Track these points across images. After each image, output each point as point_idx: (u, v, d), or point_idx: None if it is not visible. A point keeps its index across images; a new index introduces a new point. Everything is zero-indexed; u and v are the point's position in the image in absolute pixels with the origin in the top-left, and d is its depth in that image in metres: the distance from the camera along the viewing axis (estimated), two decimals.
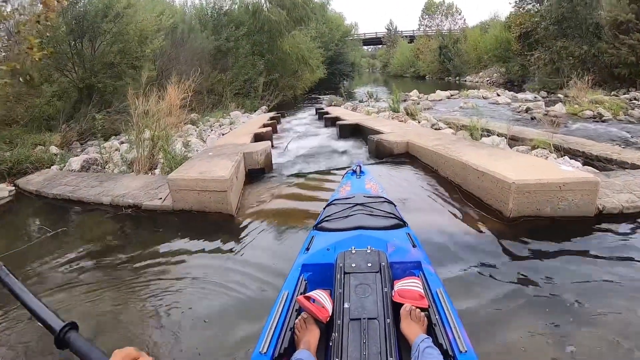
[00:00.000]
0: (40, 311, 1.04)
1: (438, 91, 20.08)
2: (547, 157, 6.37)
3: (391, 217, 2.92)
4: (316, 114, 15.24)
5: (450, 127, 10.21)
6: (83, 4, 11.46)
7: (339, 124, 9.93)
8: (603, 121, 11.19)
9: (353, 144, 8.74)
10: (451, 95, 19.81)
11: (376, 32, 69.65)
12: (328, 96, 22.30)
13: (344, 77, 38.62)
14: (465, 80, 37.09)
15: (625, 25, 17.50)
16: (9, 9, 8.05)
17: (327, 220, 2.96)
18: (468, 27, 48.22)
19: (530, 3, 25.77)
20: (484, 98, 18.24)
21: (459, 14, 61.73)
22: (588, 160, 6.27)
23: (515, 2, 26.67)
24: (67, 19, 11.05)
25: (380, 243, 2.46)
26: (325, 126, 12.05)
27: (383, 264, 2.19)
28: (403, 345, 1.83)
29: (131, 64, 12.77)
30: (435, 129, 10.48)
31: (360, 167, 4.28)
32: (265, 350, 1.77)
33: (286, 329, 1.93)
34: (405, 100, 17.09)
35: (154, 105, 7.50)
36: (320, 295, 2.01)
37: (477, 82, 34.32)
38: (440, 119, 11.37)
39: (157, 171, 7.02)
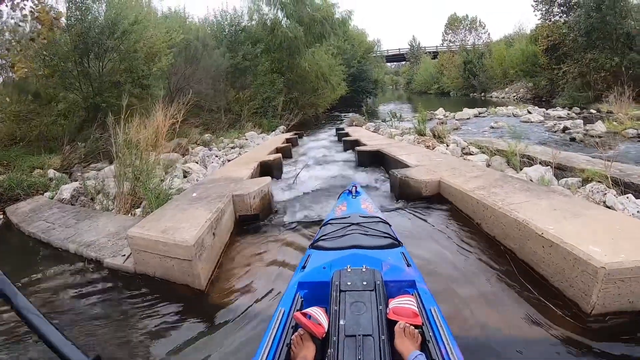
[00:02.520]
0: (59, 342, 0.79)
1: (465, 109, 18.74)
2: (605, 193, 5.07)
3: (386, 237, 2.99)
4: (336, 134, 14.01)
5: (483, 152, 8.93)
6: (89, 20, 10.66)
7: (357, 149, 8.60)
8: None
9: (373, 176, 7.40)
10: (479, 114, 18.43)
11: (399, 49, 68.61)
12: (350, 114, 21.25)
13: (367, 94, 37.40)
14: (492, 96, 35.73)
15: None
16: None
17: (323, 239, 3.02)
18: (492, 41, 46.98)
19: (557, 14, 24.63)
20: (515, 116, 16.86)
21: (483, 28, 59.77)
22: None
23: (542, 13, 25.47)
24: (72, 35, 10.29)
25: (375, 262, 2.52)
26: (345, 150, 10.85)
27: (378, 282, 2.25)
28: None
29: (138, 83, 11.91)
30: (465, 153, 9.26)
31: (355, 187, 4.34)
32: None
33: (283, 345, 1.96)
34: (430, 119, 15.89)
35: (136, 132, 6.39)
36: (317, 311, 2.04)
37: (503, 98, 32.97)
38: (470, 141, 10.09)
39: (139, 211, 5.83)
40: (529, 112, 16.73)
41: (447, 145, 9.80)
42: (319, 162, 9.62)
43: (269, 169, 7.67)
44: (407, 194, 5.47)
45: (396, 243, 2.92)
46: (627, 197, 4.88)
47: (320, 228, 3.41)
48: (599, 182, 5.54)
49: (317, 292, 2.39)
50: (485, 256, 3.81)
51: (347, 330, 1.88)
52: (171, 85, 14.93)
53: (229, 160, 9.65)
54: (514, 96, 32.09)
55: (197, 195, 5.15)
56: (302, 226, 4.97)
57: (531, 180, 5.99)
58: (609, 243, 2.92)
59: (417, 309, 2.10)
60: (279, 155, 8.43)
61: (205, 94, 16.45)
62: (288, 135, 14.25)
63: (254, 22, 21.82)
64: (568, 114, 16.41)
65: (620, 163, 6.41)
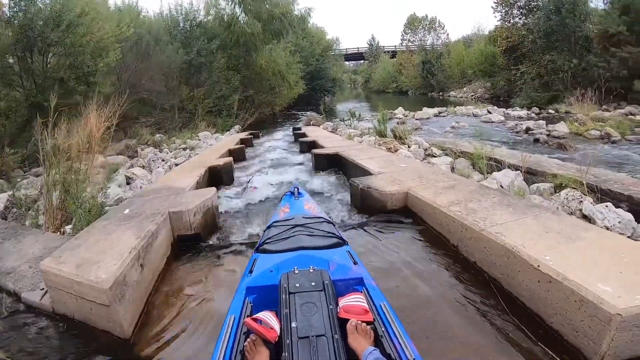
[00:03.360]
0: None
1: (425, 108, 18.39)
2: (581, 201, 4.60)
3: (331, 237, 2.97)
4: (292, 134, 13.27)
5: (447, 154, 8.43)
6: (32, 11, 9.69)
7: (314, 153, 7.91)
8: (612, 142, 10.02)
9: (332, 182, 6.75)
10: (439, 113, 18.08)
11: (358, 47, 68.48)
12: (309, 113, 20.73)
13: (325, 92, 36.82)
14: (449, 96, 35.86)
15: (616, 38, 16.83)
16: None
17: (268, 243, 2.96)
18: (451, 41, 47.34)
19: (517, 16, 24.86)
20: (475, 115, 16.60)
21: (442, 29, 59.91)
22: (634, 207, 4.47)
23: (502, 15, 25.62)
24: (14, 27, 9.39)
25: (322, 262, 2.50)
26: (301, 151, 10.14)
27: (326, 282, 2.22)
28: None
29: (84, 80, 10.94)
30: (428, 155, 8.73)
31: (297, 189, 4.30)
32: None
33: (236, 352, 1.91)
34: (390, 119, 15.34)
35: (66, 137, 5.48)
36: (267, 316, 2.00)
37: (461, 97, 33.10)
38: (433, 143, 9.59)
39: (69, 228, 4.84)
40: (489, 112, 16.50)
41: (409, 147, 9.26)
42: (274, 165, 8.92)
43: (218, 175, 6.95)
44: (369, 207, 4.78)
45: (341, 242, 2.92)
46: (607, 206, 4.37)
47: (264, 231, 3.36)
48: (574, 188, 5.07)
49: (265, 296, 2.35)
50: (465, 287, 3.17)
51: (300, 332, 1.84)
52: (122, 82, 13.91)
53: (176, 165, 8.78)
54: (472, 96, 32.21)
55: (129, 213, 4.29)
56: (249, 246, 4.16)
57: (501, 187, 5.51)
58: (618, 279, 2.36)
59: (367, 306, 2.12)
60: (230, 159, 7.65)
61: (158, 91, 15.72)
62: (243, 135, 13.45)
63: (210, 17, 20.89)
64: (528, 114, 16.34)
65: (594, 168, 5.99)
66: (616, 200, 4.69)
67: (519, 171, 6.07)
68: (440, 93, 39.40)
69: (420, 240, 4.09)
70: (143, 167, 8.50)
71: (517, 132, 12.26)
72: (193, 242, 4.36)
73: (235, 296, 2.42)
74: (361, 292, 2.31)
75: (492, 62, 28.41)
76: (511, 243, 2.95)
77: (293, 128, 14.52)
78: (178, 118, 16.47)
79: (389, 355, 1.79)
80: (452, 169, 7.07)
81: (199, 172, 6.44)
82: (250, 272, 2.62)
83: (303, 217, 3.33)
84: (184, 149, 11.29)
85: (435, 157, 8.73)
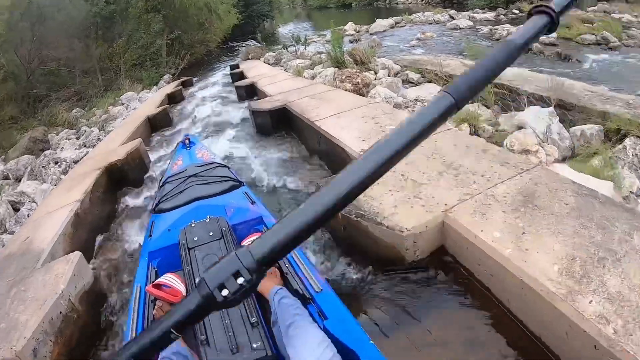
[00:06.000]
0: None
1: (378, 20, 15.80)
2: None
3: (226, 180, 2.83)
4: (230, 74, 10.60)
5: (428, 80, 6.35)
6: None
7: (252, 109, 5.52)
8: (611, 48, 8.28)
9: (282, 159, 4.55)
10: (395, 24, 15.56)
11: None
12: (249, 43, 18.36)
13: (263, 18, 33.24)
14: (397, 3, 32.43)
15: None
16: None
17: (163, 201, 2.76)
18: None
19: None
20: (437, 22, 14.27)
21: None
22: None
23: None
24: None
25: (218, 209, 2.40)
26: (240, 98, 7.94)
27: (224, 229, 2.14)
28: (264, 302, 1.75)
29: None
30: (403, 82, 6.59)
31: (189, 139, 4.02)
32: None
33: (147, 323, 1.81)
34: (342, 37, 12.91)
35: None
36: (170, 278, 1.93)
37: (410, 3, 29.94)
38: (404, 64, 7.44)
39: None
40: (452, 18, 14.17)
41: (376, 73, 7.05)
42: (205, 128, 6.69)
43: (120, 176, 4.70)
44: (364, 252, 2.53)
45: (237, 184, 2.80)
46: None
47: (159, 189, 3.14)
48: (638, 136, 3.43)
49: (169, 257, 2.20)
50: None
51: None
52: (22, 59, 11.85)
53: (75, 162, 6.09)
54: (422, 0, 29.19)
55: None
56: None
57: (538, 137, 3.58)
58: None
59: None
60: (137, 143, 5.10)
61: (67, 57, 13.59)
62: (170, 88, 10.89)
63: None
64: (496, 16, 14.19)
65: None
66: None
67: (551, 107, 4.06)
68: (387, 1, 35.75)
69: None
70: (36, 177, 5.93)
71: (497, 40, 9.90)
72: None
73: (139, 264, 2.24)
74: (262, 232, 2.12)
75: None
76: None
77: (230, 66, 11.97)
78: (101, 81, 13.88)
79: (296, 291, 1.76)
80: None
81: (85, 187, 4.05)
82: (150, 235, 2.47)
83: (195, 167, 3.10)
84: (87, 135, 8.19)
85: (412, 83, 6.62)
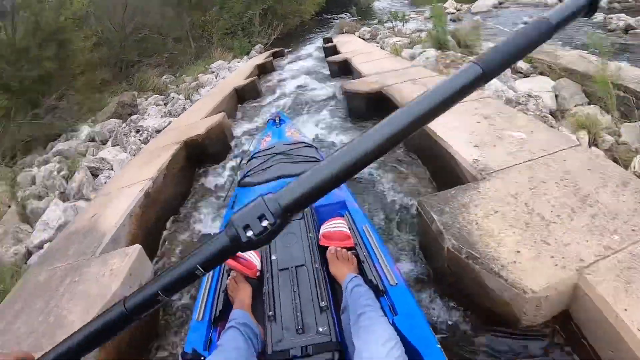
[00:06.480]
0: None
1: None
2: None
3: (312, 161, 2.79)
4: (322, 48, 10.17)
5: (540, 72, 5.47)
6: None
7: (346, 90, 4.96)
8: None
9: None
10: (499, 4, 14.06)
11: None
12: (343, 15, 17.70)
13: None
14: None
15: None
16: None
17: (249, 175, 2.79)
18: None
19: None
20: (545, 5, 12.69)
21: None
22: None
23: None
24: None
25: None
26: (332, 74, 7.51)
27: (306, 210, 2.09)
28: (337, 287, 1.76)
29: (52, 44, 8.68)
30: (511, 70, 5.76)
31: (279, 116, 3.99)
32: (201, 317, 1.71)
33: (219, 292, 1.84)
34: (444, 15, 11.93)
35: None
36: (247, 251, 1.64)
37: None
38: None
39: None
40: (561, 2, 12.63)
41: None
42: (295, 103, 6.40)
43: (199, 152, 4.51)
44: (478, 306, 2.03)
45: None
46: None
47: (246, 164, 3.15)
48: None
49: None
50: None
51: (280, 264, 1.78)
52: (115, 26, 12.16)
53: (158, 132, 5.98)
54: None
55: None
56: None
57: None
58: None
59: (348, 231, 2.00)
60: (220, 118, 4.89)
61: (159, 26, 13.94)
62: (261, 58, 10.68)
63: None
64: (609, 2, 11.89)
65: None
66: None
67: None
68: None
69: None
70: (118, 144, 5.86)
71: (613, 31, 8.01)
72: None
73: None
74: (343, 216, 2.16)
75: None
76: None
77: (323, 39, 11.51)
78: (193, 49, 14.05)
79: (370, 281, 1.71)
80: (557, 100, 4.26)
81: (162, 160, 3.94)
82: (232, 207, 2.58)
83: (284, 145, 3.05)
84: (173, 102, 7.98)
85: (522, 73, 5.79)
